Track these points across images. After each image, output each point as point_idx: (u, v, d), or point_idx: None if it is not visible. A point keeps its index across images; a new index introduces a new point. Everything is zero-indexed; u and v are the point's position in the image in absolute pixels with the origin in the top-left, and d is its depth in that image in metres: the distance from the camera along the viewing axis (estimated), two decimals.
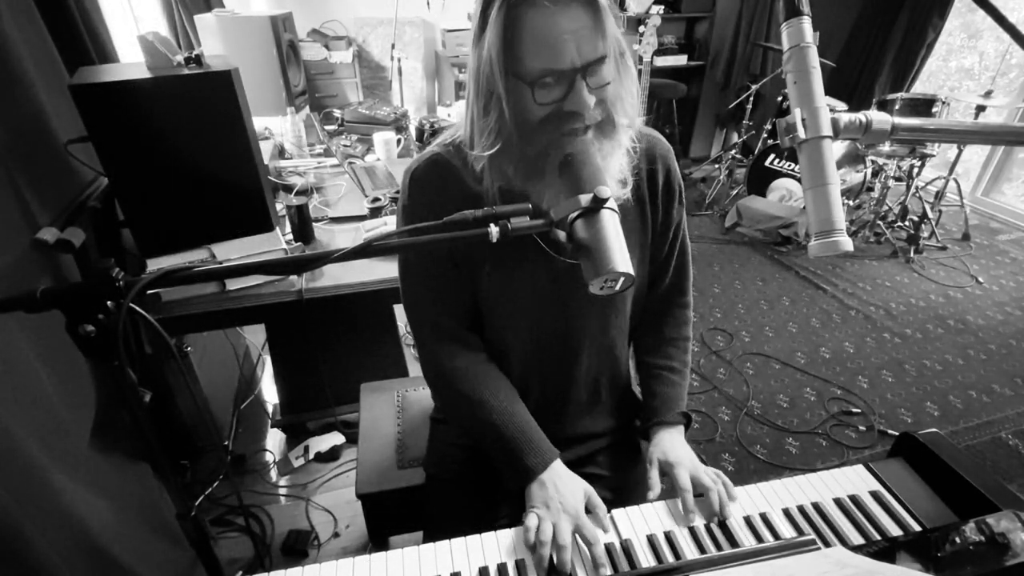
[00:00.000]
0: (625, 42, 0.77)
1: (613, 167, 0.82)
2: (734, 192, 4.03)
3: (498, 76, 0.74)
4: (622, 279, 0.63)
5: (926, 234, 3.50)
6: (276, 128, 2.35)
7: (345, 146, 2.31)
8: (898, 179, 3.58)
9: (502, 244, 0.63)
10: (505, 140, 0.79)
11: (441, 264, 0.93)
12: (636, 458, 1.12)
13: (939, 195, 3.53)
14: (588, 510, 0.86)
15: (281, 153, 2.23)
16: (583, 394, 1.05)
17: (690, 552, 0.80)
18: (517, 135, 0.78)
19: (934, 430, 0.92)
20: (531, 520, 0.81)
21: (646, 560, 0.79)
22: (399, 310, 2.03)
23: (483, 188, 0.84)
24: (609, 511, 0.87)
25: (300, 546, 1.67)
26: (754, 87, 3.82)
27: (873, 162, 3.48)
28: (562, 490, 0.86)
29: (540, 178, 0.80)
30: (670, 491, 0.92)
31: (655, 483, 0.91)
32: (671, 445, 0.96)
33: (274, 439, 2.08)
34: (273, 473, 1.95)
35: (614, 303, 0.97)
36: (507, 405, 0.94)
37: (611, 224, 0.64)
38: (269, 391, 2.27)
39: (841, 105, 3.50)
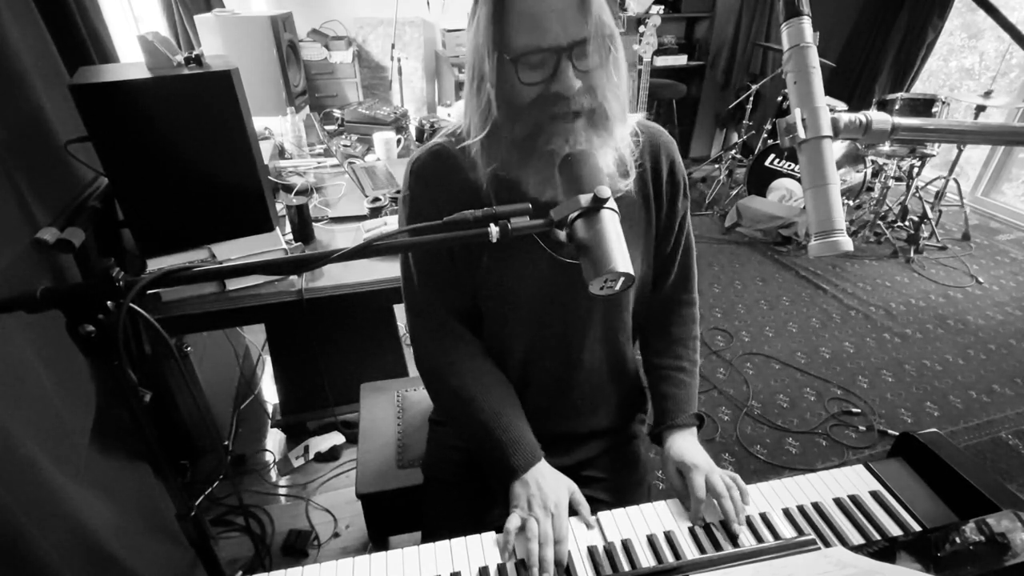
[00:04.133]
0: (615, 28, 0.76)
1: (608, 160, 0.82)
2: (734, 192, 4.03)
3: (485, 53, 0.74)
4: (622, 279, 0.63)
5: (926, 234, 3.50)
6: (276, 128, 2.35)
7: (345, 146, 2.31)
8: (898, 179, 3.57)
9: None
10: (494, 122, 0.78)
11: (440, 258, 0.93)
12: (635, 461, 1.12)
13: (939, 195, 3.52)
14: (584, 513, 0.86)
15: (281, 153, 2.23)
16: (585, 387, 1.04)
17: (690, 552, 0.80)
18: (504, 116, 0.78)
19: (934, 430, 0.92)
20: (511, 521, 0.82)
21: (646, 560, 0.79)
22: (399, 310, 2.03)
23: (479, 175, 0.84)
24: (608, 512, 0.86)
25: (300, 546, 1.67)
26: (754, 87, 3.82)
27: (873, 162, 3.48)
28: (543, 487, 0.86)
29: (527, 164, 0.80)
30: (672, 491, 0.92)
31: (678, 489, 0.91)
32: (686, 448, 0.95)
33: (274, 439, 2.09)
34: (273, 473, 1.95)
35: (616, 296, 0.96)
36: (497, 404, 0.94)
37: (611, 224, 0.64)
38: (269, 391, 2.27)
39: (841, 105, 3.49)
